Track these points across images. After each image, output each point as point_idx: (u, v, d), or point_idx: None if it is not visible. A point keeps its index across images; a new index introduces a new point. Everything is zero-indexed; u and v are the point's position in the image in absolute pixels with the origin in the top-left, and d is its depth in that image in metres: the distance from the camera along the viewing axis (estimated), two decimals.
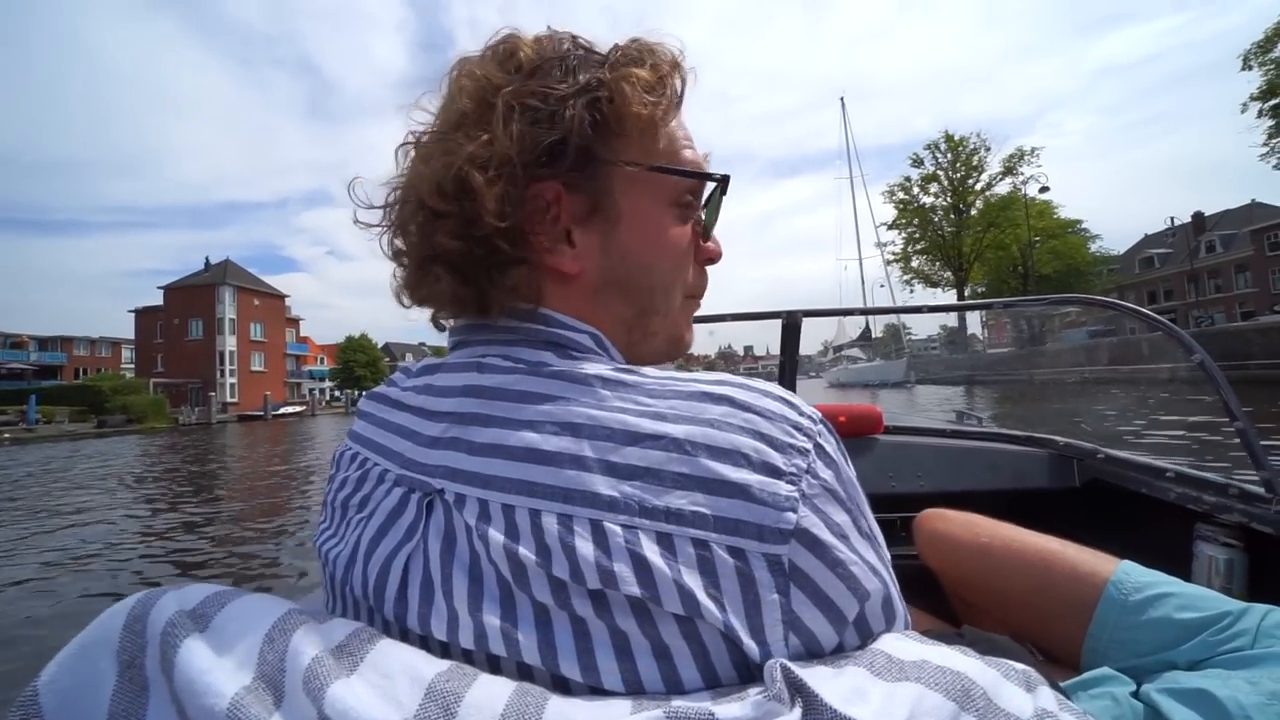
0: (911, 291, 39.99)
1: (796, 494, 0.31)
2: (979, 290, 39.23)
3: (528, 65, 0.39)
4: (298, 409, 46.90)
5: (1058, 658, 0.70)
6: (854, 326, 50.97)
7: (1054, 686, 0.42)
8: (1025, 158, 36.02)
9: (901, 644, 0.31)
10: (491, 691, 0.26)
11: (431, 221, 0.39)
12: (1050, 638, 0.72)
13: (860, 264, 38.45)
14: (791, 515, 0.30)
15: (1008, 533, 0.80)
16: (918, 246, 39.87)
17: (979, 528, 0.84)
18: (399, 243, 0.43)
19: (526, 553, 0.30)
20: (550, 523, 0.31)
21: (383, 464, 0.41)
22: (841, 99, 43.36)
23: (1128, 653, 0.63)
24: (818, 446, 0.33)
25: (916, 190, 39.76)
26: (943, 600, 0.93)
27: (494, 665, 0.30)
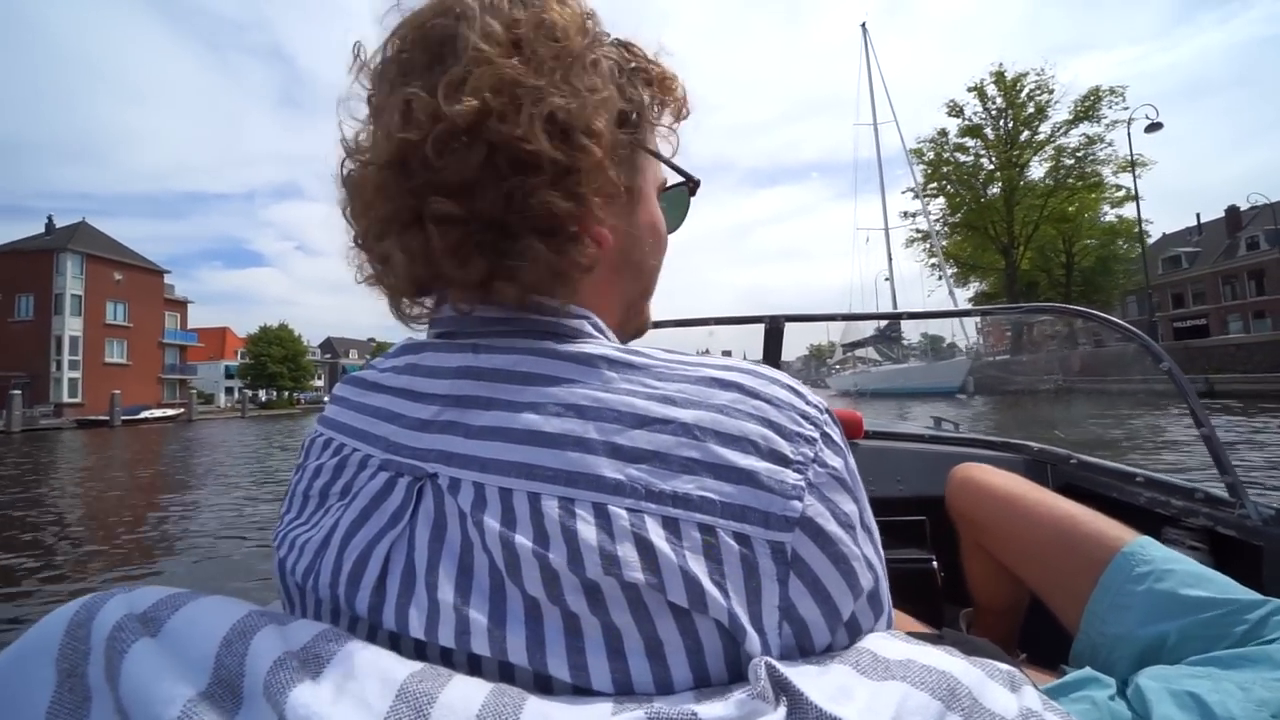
0: (939, 278, 30.45)
1: (803, 482, 0.31)
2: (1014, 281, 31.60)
3: (593, 31, 0.38)
4: (170, 412, 36.97)
5: (1063, 615, 0.73)
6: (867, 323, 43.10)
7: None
8: (1107, 98, 26.68)
9: (887, 643, 0.31)
10: (466, 692, 0.25)
11: (520, 173, 0.33)
12: (1058, 595, 0.74)
13: (886, 234, 29.33)
14: (797, 504, 0.30)
15: (1035, 491, 0.83)
16: (957, 216, 30.68)
17: (1010, 481, 0.87)
18: (446, 202, 0.33)
19: (523, 539, 0.29)
20: (551, 507, 0.30)
21: (363, 449, 0.38)
22: (863, 25, 34.05)
23: (1124, 620, 0.64)
24: (825, 435, 0.33)
25: (953, 148, 30.46)
26: (924, 603, 0.95)
27: (475, 664, 0.29)
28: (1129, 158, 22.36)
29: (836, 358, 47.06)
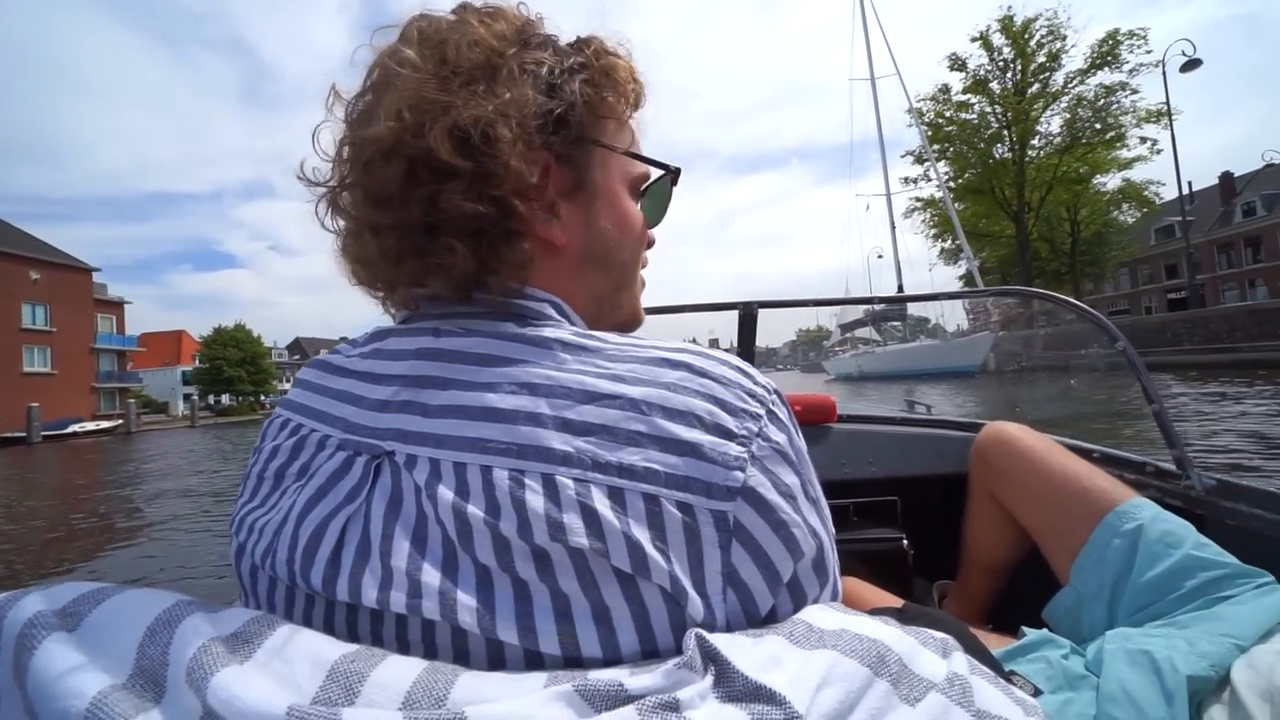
0: (947, 247, 27.83)
1: (746, 455, 0.32)
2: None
3: (522, 34, 0.40)
4: (105, 425, 33.31)
5: (1057, 566, 0.78)
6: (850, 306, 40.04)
7: (985, 654, 0.46)
8: (1127, 42, 23.75)
9: (823, 614, 0.32)
10: (398, 671, 0.25)
11: (438, 181, 0.36)
12: (1056, 546, 0.79)
13: (888, 199, 25.12)
14: (739, 474, 0.31)
15: (1055, 449, 0.87)
16: (962, 179, 27.49)
17: (1039, 439, 0.90)
18: (377, 213, 0.37)
19: (475, 510, 0.30)
20: (501, 478, 0.31)
21: (322, 429, 0.39)
22: None
23: (1103, 573, 0.70)
24: (770, 413, 0.35)
25: (956, 106, 27.36)
26: (895, 580, 1.00)
27: (428, 632, 0.30)
28: (1154, 107, 20.15)
29: (833, 340, 43.67)
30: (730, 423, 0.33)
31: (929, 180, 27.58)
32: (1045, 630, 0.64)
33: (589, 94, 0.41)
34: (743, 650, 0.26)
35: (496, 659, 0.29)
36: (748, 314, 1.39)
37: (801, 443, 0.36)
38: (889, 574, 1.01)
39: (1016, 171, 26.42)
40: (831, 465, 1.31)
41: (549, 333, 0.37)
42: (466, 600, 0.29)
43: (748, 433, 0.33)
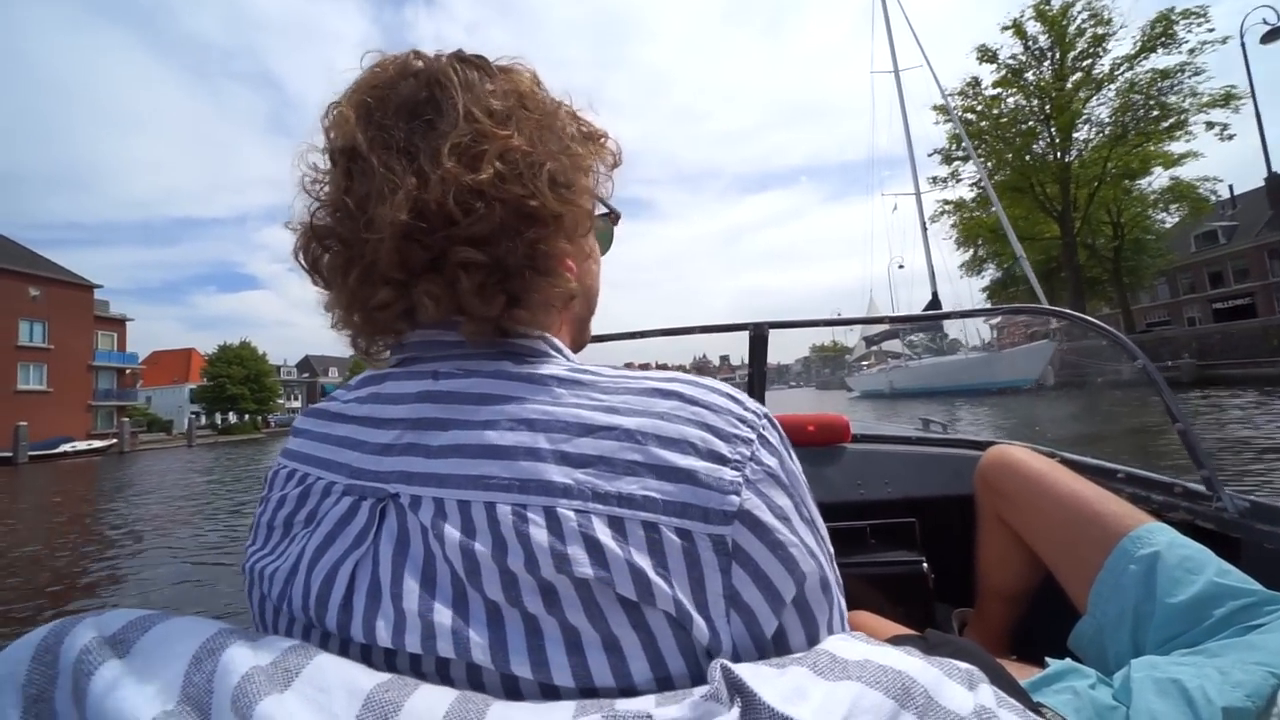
0: (966, 251, 25.47)
1: (740, 479, 0.33)
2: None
3: (546, 95, 0.44)
4: (97, 445, 32.27)
5: (1073, 594, 0.76)
6: (875, 312, 36.86)
7: (1013, 685, 0.45)
8: (1182, 22, 21.12)
9: (846, 644, 0.31)
10: (431, 700, 0.25)
11: (532, 225, 0.38)
12: (1071, 574, 0.77)
13: (919, 198, 22.96)
14: (735, 498, 0.32)
15: (1063, 472, 0.85)
16: (1001, 175, 24.48)
17: (1044, 462, 0.88)
18: (470, 254, 0.37)
19: (481, 547, 0.31)
20: (505, 513, 0.31)
21: (327, 476, 0.40)
22: None
23: (1123, 600, 0.68)
24: (761, 437, 0.35)
25: (987, 100, 24.72)
26: (915, 605, 1.01)
27: (443, 668, 0.30)
28: (1218, 91, 17.55)
29: (857, 354, 41.24)
30: (723, 448, 0.33)
31: (958, 180, 25.28)
32: (1070, 660, 0.61)
33: (590, 149, 0.45)
34: (767, 682, 0.26)
35: (512, 691, 0.29)
36: (758, 335, 1.36)
37: (795, 465, 0.37)
38: (909, 599, 1.02)
39: (1059, 167, 23.65)
40: (847, 486, 1.28)
41: (544, 369, 0.38)
42: (479, 638, 0.30)
43: (740, 457, 0.33)
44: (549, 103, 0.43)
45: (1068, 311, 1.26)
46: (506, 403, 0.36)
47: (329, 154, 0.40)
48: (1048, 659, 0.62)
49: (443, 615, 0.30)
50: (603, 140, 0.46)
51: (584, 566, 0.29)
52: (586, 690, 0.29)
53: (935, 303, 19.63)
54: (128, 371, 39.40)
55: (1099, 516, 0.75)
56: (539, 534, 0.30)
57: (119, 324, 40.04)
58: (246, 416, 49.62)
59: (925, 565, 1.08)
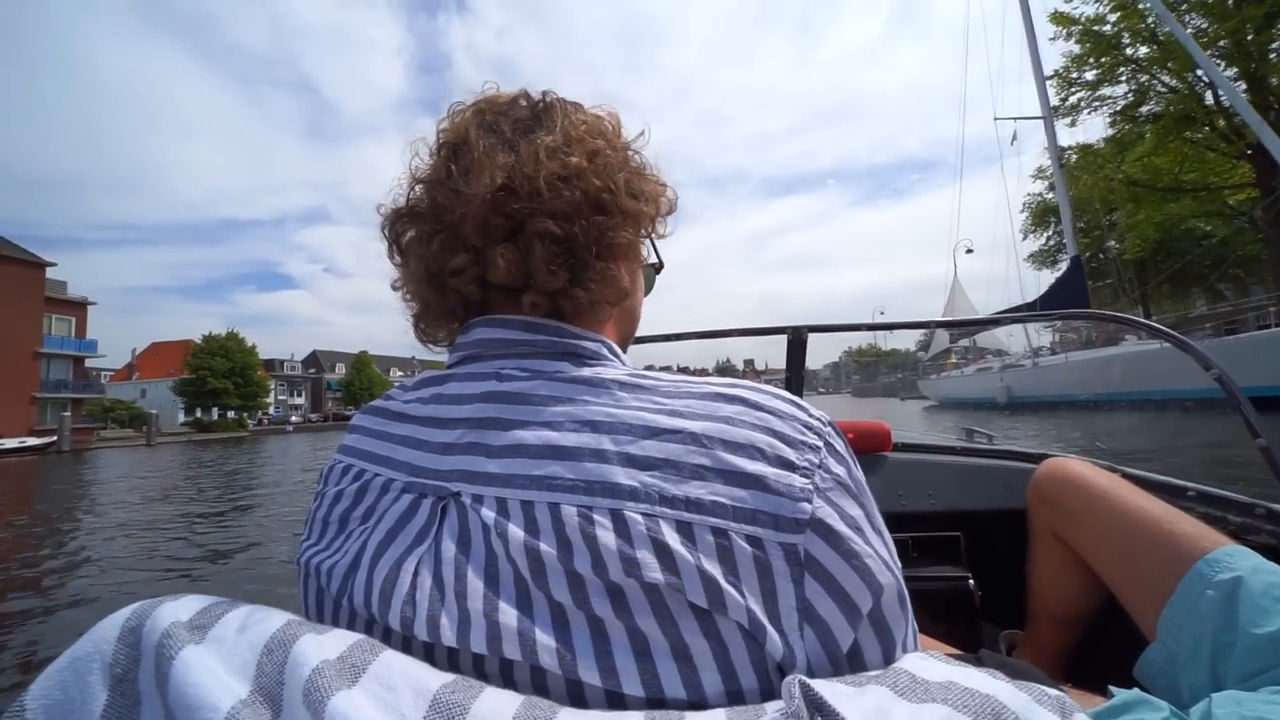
0: (1083, 218, 17.57)
1: (810, 486, 0.32)
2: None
3: (622, 136, 0.48)
4: (32, 443, 28.08)
5: (1140, 620, 0.71)
6: (963, 302, 26.84)
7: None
8: None
9: (927, 664, 0.30)
10: (498, 704, 0.25)
11: (602, 214, 0.42)
12: (1137, 597, 0.72)
13: (1048, 121, 15.00)
14: (807, 506, 0.31)
15: (1126, 488, 0.81)
16: (1144, 109, 16.89)
17: (1104, 476, 0.84)
18: (549, 225, 0.41)
19: (547, 548, 0.31)
20: (570, 514, 0.31)
21: (385, 474, 0.40)
22: None
23: (1199, 629, 0.63)
24: (828, 445, 0.35)
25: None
26: (960, 624, 0.96)
27: (506, 670, 0.30)
28: None
29: (933, 352, 33.14)
30: (791, 454, 0.33)
31: (1098, 104, 17.44)
32: (1138, 690, 0.57)
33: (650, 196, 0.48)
34: (848, 701, 0.25)
35: (577, 698, 0.29)
36: (797, 339, 1.34)
37: (860, 474, 0.37)
38: (953, 617, 0.98)
39: (1248, 64, 14.71)
40: (888, 496, 1.24)
41: (605, 373, 0.39)
42: (545, 640, 0.29)
43: (809, 464, 0.33)
44: (625, 141, 0.47)
45: (1128, 317, 1.16)
46: (569, 404, 0.36)
47: (439, 147, 0.44)
48: (1112, 688, 0.58)
49: (508, 616, 0.30)
50: (663, 186, 0.49)
51: (654, 571, 0.29)
52: (655, 701, 0.28)
53: (1076, 267, 13.20)
54: (83, 360, 35.36)
55: (1170, 537, 0.69)
56: (606, 536, 0.30)
57: (79, 307, 36.11)
58: (223, 413, 45.69)
59: (972, 582, 1.02)
